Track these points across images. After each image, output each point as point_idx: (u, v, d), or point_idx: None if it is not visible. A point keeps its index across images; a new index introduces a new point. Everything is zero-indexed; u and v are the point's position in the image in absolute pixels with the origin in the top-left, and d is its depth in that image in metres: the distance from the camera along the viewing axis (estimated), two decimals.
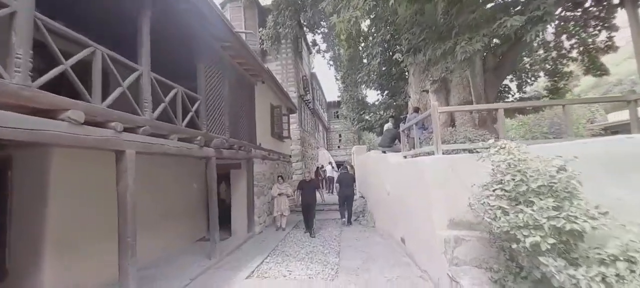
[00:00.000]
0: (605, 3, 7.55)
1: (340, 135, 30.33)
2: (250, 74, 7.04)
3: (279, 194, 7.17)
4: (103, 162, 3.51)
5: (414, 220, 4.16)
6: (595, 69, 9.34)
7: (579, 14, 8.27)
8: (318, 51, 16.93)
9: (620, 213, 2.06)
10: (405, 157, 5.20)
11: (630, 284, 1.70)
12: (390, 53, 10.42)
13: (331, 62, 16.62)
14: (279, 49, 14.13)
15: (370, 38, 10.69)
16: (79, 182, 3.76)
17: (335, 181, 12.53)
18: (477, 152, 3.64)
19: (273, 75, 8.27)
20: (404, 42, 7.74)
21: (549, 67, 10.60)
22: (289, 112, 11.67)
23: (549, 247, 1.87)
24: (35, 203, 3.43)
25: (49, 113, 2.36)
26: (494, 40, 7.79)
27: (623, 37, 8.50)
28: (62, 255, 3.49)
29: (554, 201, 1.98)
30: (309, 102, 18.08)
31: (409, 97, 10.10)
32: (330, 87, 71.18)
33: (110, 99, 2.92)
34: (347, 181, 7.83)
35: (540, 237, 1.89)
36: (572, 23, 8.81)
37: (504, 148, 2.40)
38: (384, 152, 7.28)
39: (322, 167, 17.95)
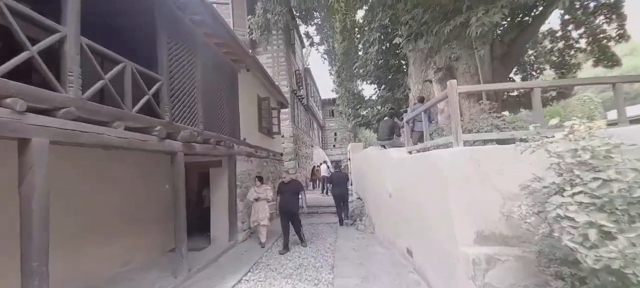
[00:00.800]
0: None
1: (335, 134, 29.55)
2: (231, 58, 6.17)
3: (256, 199, 5.72)
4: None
5: (425, 228, 3.36)
6: (606, 59, 8.73)
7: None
8: (312, 44, 16.10)
9: None
10: (410, 152, 4.40)
11: None
12: (388, 42, 9.63)
13: (325, 56, 15.80)
14: (269, 39, 13.24)
15: (366, 28, 9.90)
16: None
17: (327, 181, 11.85)
18: (507, 142, 2.85)
19: (259, 62, 7.41)
20: (403, 28, 6.98)
21: (555, 59, 9.93)
22: (280, 106, 10.81)
23: None
24: None
25: None
26: (503, 23, 7.12)
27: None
28: None
29: None
30: (303, 98, 17.24)
31: (409, 89, 9.33)
32: (326, 85, 70.39)
33: (5, 66, 2.05)
34: (340, 180, 7.61)
35: None
36: (581, 11, 8.20)
37: (575, 132, 1.60)
38: (384, 147, 6.49)
39: (320, 165, 17.08)
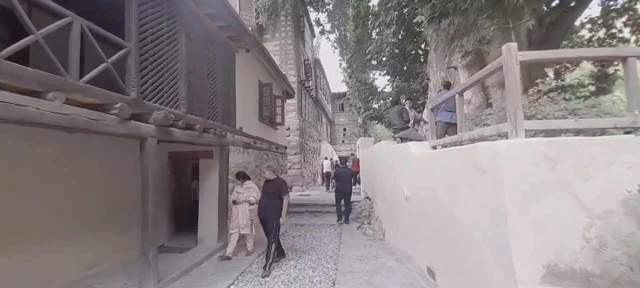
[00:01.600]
0: None
1: (344, 129, 28.68)
2: (228, 36, 5.42)
3: (235, 201, 4.67)
4: None
5: (456, 247, 2.53)
6: None
7: None
8: (322, 32, 15.20)
9: None
10: (434, 147, 3.55)
11: None
12: (405, 28, 8.66)
13: (336, 45, 14.89)
14: (277, 24, 12.48)
15: (382, 11, 8.95)
16: None
17: (331, 177, 11.16)
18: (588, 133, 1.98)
19: (260, 42, 6.63)
20: (425, 8, 6.06)
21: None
22: (286, 96, 10.04)
23: None
24: None
25: None
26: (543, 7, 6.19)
27: None
28: None
29: None
30: (311, 90, 16.43)
31: (428, 79, 8.38)
32: (336, 79, 69.13)
33: None
34: (345, 176, 7.24)
35: None
36: None
37: None
38: (398, 140, 5.63)
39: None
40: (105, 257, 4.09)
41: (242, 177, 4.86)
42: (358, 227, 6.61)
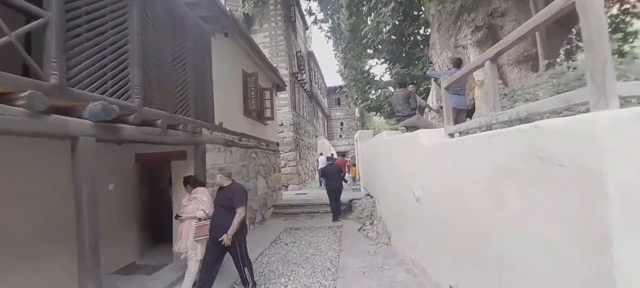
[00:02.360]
0: None
1: (342, 123, 27.96)
2: (200, 16, 4.64)
3: (178, 217, 3.62)
4: None
5: (499, 269, 1.81)
6: None
7: None
8: (315, 21, 14.37)
9: None
10: (451, 135, 2.83)
11: None
12: (404, 13, 7.88)
13: (330, 34, 14.07)
14: (264, 13, 11.66)
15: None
16: None
17: (320, 174, 10.62)
18: None
19: (241, 25, 5.84)
20: None
21: (609, 28, 8.05)
22: (276, 88, 9.26)
23: None
24: None
25: None
26: None
27: None
28: None
29: None
30: (305, 83, 15.63)
31: (430, 63, 7.64)
32: (331, 73, 68.16)
33: None
34: (333, 173, 7.08)
35: None
36: None
37: None
38: (403, 129, 4.91)
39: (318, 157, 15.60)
40: (55, 284, 3.35)
41: (192, 183, 3.72)
42: (359, 229, 5.90)
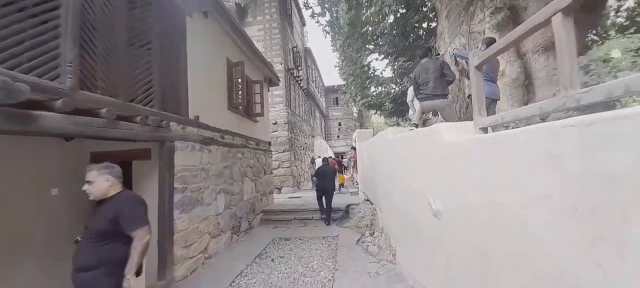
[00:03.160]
0: None
1: (339, 124, 27.24)
2: None
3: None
4: None
5: None
6: None
7: None
8: (312, 15, 13.60)
9: None
10: (484, 129, 2.10)
11: None
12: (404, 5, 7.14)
13: (328, 29, 13.31)
14: (259, 5, 10.91)
15: None
16: None
17: (312, 174, 10.15)
18: None
19: (226, 8, 5.08)
20: None
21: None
22: (269, 83, 8.52)
23: None
24: None
25: None
26: None
27: None
28: None
29: None
30: (301, 80, 14.88)
31: (438, 54, 6.92)
32: (329, 73, 67.52)
33: None
34: (326, 174, 6.75)
35: None
36: None
37: None
38: (413, 127, 4.16)
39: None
40: None
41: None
42: (358, 241, 5.15)
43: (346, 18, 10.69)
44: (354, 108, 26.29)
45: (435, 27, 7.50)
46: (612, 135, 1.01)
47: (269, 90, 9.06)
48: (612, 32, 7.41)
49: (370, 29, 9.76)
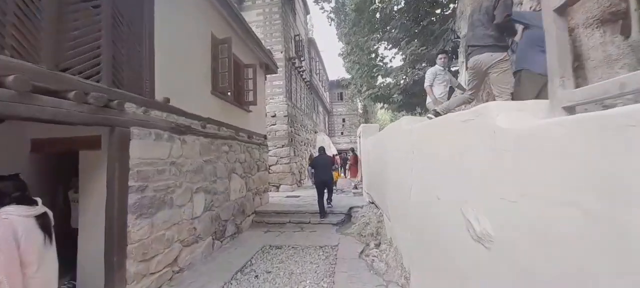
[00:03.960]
0: None
1: (343, 120, 26.37)
2: None
3: None
4: None
5: None
6: None
7: None
8: (316, 1, 12.74)
9: None
10: (569, 109, 1.25)
11: None
12: None
13: (333, 15, 12.45)
14: None
15: None
16: None
17: (308, 165, 9.68)
18: None
19: None
20: None
21: None
22: (265, 69, 7.71)
23: None
24: None
25: None
26: None
27: None
28: None
29: None
30: (303, 71, 14.04)
31: (457, 36, 6.05)
32: (334, 65, 66.43)
33: None
34: (324, 165, 6.45)
35: None
36: None
37: None
38: (432, 113, 3.29)
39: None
40: None
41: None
42: (361, 253, 4.35)
43: (353, 4, 9.82)
44: (359, 103, 25.39)
45: (453, 10, 6.60)
46: None
47: (266, 79, 8.25)
48: None
49: (378, 15, 8.90)
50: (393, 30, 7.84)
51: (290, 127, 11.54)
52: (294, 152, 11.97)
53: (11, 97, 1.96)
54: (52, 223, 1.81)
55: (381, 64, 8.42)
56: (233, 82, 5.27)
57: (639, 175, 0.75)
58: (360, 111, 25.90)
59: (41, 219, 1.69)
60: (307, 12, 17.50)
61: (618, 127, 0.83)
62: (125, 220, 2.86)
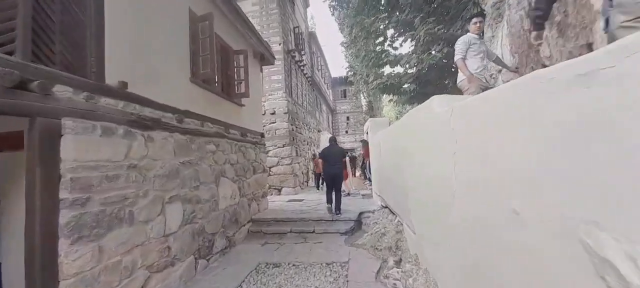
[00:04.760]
0: None
1: (348, 118, 25.52)
2: None
3: None
4: None
5: None
6: None
7: None
8: None
9: None
10: None
11: None
12: None
13: (335, 3, 11.60)
14: None
15: None
16: None
17: (318, 156, 8.78)
18: None
19: None
20: None
21: None
22: (260, 60, 6.91)
23: None
24: None
25: None
26: None
27: None
28: None
29: None
30: (303, 65, 13.22)
31: (481, 12, 5.18)
32: (337, 63, 65.50)
33: None
34: (334, 156, 5.68)
35: None
36: None
37: None
38: (477, 90, 2.44)
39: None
40: None
41: None
42: (377, 273, 3.51)
43: None
44: (363, 100, 24.49)
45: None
46: None
47: (262, 70, 7.45)
48: None
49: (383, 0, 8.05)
50: (403, 12, 6.97)
51: (291, 124, 10.72)
52: (296, 152, 11.15)
53: None
54: None
55: (389, 49, 7.54)
56: (220, 70, 4.46)
57: None
58: (365, 108, 25.03)
59: None
60: (306, 5, 16.69)
61: None
62: (55, 247, 2.06)
